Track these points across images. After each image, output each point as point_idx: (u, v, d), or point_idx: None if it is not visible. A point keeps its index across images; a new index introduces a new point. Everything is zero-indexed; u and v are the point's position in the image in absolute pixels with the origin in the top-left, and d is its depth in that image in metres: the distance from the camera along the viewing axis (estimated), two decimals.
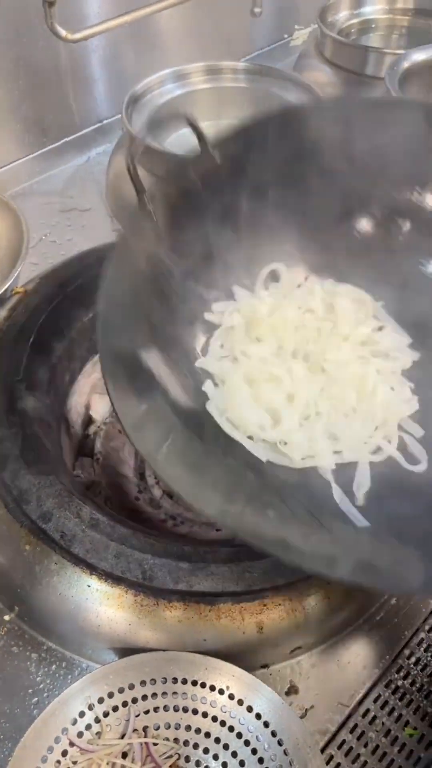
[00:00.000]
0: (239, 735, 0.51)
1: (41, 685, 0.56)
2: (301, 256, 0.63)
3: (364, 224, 0.63)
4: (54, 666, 0.57)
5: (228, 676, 0.52)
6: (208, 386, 0.57)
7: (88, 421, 0.75)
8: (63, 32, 0.86)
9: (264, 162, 0.57)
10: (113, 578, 0.53)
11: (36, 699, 0.55)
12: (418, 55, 0.91)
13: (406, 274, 0.62)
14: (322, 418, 0.56)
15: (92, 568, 0.53)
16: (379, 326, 0.62)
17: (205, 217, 0.57)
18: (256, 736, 0.51)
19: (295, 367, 0.58)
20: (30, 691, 0.55)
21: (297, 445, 0.55)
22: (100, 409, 0.75)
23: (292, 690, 0.56)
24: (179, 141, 0.98)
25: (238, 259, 0.61)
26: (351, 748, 0.53)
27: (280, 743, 0.50)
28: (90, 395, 0.75)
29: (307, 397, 0.56)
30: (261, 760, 0.50)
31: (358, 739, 0.54)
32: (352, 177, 0.60)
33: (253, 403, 0.56)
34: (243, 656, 0.53)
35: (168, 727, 0.52)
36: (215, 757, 0.51)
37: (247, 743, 0.51)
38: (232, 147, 0.57)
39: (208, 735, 0.52)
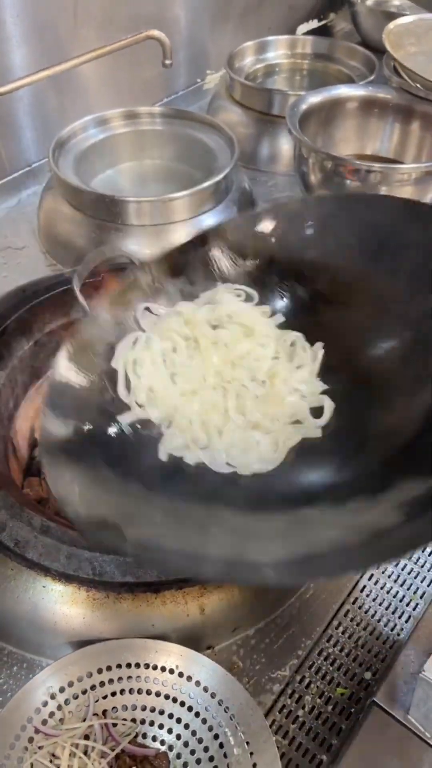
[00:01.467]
0: (190, 708, 0.57)
1: (4, 686, 0.60)
2: None
3: None
4: (15, 668, 0.61)
5: (176, 655, 0.58)
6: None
7: (34, 443, 0.80)
8: None
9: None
10: (66, 577, 0.58)
11: (0, 699, 0.59)
12: (314, 98, 1.02)
13: None
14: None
15: (46, 570, 0.58)
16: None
17: None
18: (205, 707, 0.57)
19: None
20: None
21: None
22: None
23: (235, 666, 0.62)
24: (104, 182, 1.06)
25: None
26: (291, 711, 0.60)
27: (226, 710, 0.56)
28: (35, 419, 0.80)
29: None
30: (210, 728, 0.56)
31: (297, 702, 0.60)
32: None
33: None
34: (189, 638, 0.59)
35: (125, 708, 0.57)
36: (169, 731, 0.57)
37: (197, 714, 0.57)
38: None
39: (162, 712, 0.57)
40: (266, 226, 0.65)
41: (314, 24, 1.67)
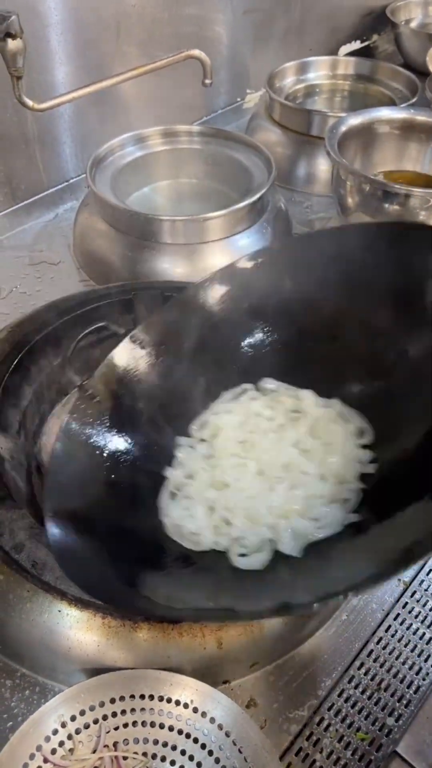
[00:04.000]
0: (203, 746, 0.55)
1: (15, 710, 0.59)
2: None
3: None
4: (27, 691, 0.60)
5: (192, 690, 0.56)
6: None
7: None
8: (30, 103, 0.94)
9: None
10: (82, 603, 0.57)
11: (11, 723, 0.58)
12: (354, 120, 1.01)
13: None
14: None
15: (62, 594, 0.57)
16: None
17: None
18: (219, 746, 0.55)
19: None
20: (5, 716, 0.59)
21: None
22: None
23: (251, 703, 0.60)
24: (140, 200, 1.06)
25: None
26: (308, 755, 0.57)
27: (240, 751, 0.54)
28: None
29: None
30: None
31: (314, 745, 0.58)
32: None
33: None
34: (205, 672, 0.57)
35: (137, 741, 0.56)
36: None
37: (210, 753, 0.55)
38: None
39: (174, 748, 0.55)
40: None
41: (357, 45, 1.67)
